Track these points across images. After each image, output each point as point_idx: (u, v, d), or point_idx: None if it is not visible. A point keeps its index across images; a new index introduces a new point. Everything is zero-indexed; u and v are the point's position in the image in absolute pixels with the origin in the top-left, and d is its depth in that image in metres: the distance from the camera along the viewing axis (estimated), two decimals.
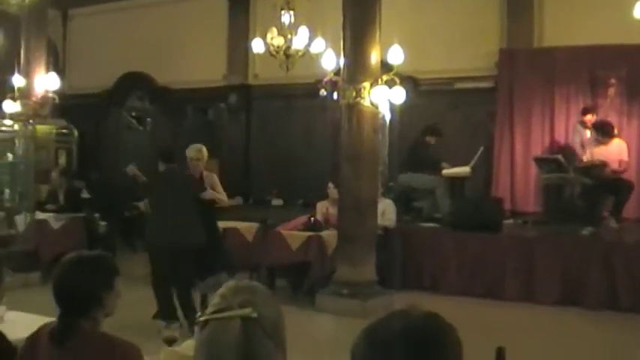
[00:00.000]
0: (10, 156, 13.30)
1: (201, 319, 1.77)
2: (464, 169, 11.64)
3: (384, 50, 9.28)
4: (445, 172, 11.67)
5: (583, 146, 11.45)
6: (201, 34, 15.44)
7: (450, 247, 10.73)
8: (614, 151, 10.88)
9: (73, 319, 2.84)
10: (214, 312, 1.75)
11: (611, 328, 8.65)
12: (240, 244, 10.68)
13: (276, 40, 11.09)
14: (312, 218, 10.21)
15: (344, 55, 9.41)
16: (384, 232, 10.37)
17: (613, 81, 11.43)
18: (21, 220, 11.43)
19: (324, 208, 10.61)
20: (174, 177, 8.44)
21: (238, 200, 14.75)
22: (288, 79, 12.09)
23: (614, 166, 10.80)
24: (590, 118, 11.42)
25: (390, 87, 9.14)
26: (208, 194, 9.02)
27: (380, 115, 10.45)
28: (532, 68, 12.37)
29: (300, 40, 11.06)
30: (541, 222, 11.11)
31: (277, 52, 11.16)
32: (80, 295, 2.87)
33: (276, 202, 14.39)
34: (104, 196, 13.44)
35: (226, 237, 10.64)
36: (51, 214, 11.37)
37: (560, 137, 12.21)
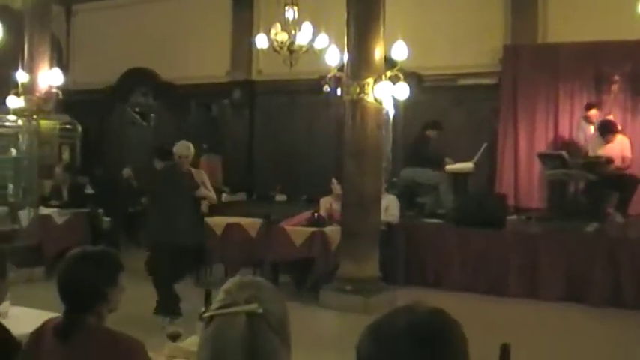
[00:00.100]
0: (13, 151, 13.30)
1: (207, 314, 1.77)
2: (467, 165, 11.64)
3: (387, 46, 9.27)
4: (449, 168, 11.67)
5: (586, 141, 11.45)
6: (204, 30, 15.43)
7: (453, 243, 10.73)
8: (617, 148, 10.87)
9: (77, 314, 2.85)
10: (220, 307, 1.75)
11: (615, 325, 8.64)
12: (243, 240, 10.69)
13: (279, 35, 11.07)
14: (316, 214, 10.21)
15: (348, 51, 9.40)
16: (388, 228, 10.37)
17: (616, 77, 11.41)
18: (25, 216, 11.44)
19: (327, 204, 10.62)
20: (174, 175, 8.50)
21: (242, 196, 14.76)
22: (291, 75, 12.08)
23: (618, 162, 10.79)
24: (594, 113, 11.42)
25: (394, 83, 9.13)
26: (202, 192, 9.11)
27: (384, 111, 10.44)
28: (536, 64, 12.35)
29: (303, 35, 11.04)
30: (545, 218, 11.11)
31: (281, 47, 11.13)
32: (85, 290, 2.87)
33: (280, 197, 14.38)
34: (108, 191, 13.44)
35: (230, 233, 10.66)
36: (55, 210, 11.38)
37: (564, 133, 12.20)
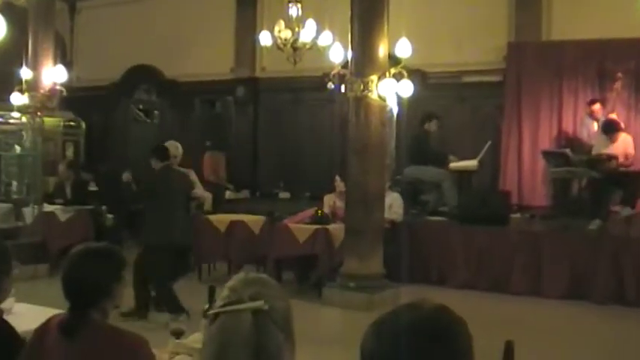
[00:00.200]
0: (17, 148, 13.32)
1: (212, 312, 1.77)
2: (471, 163, 11.63)
3: (391, 43, 9.26)
4: (452, 165, 11.66)
5: (589, 137, 11.45)
6: (208, 27, 15.42)
7: (457, 240, 10.73)
8: (621, 146, 10.86)
9: (82, 310, 2.85)
10: (225, 305, 1.74)
11: (618, 322, 8.65)
12: (247, 237, 10.70)
13: (283, 33, 11.06)
14: (320, 211, 10.20)
15: (352, 48, 9.40)
16: (391, 226, 10.36)
17: (620, 75, 11.38)
18: (29, 213, 11.44)
19: (331, 201, 10.61)
20: (173, 175, 8.54)
21: (245, 193, 14.78)
22: (295, 72, 12.07)
23: (621, 160, 10.78)
24: (597, 108, 11.42)
25: (398, 80, 9.14)
26: (197, 192, 9.19)
27: (387, 109, 10.44)
28: (540, 62, 12.33)
29: (307, 33, 11.04)
30: (548, 216, 11.10)
31: (285, 45, 11.13)
32: (89, 286, 2.88)
33: (284, 194, 14.38)
34: (111, 188, 13.44)
35: (233, 230, 10.67)
36: (58, 207, 11.39)
37: (568, 131, 12.18)
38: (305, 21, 11.14)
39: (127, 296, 3.10)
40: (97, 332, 2.83)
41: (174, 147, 9.14)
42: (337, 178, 10.58)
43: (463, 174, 11.76)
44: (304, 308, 8.31)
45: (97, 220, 11.66)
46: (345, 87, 9.39)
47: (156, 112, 16.97)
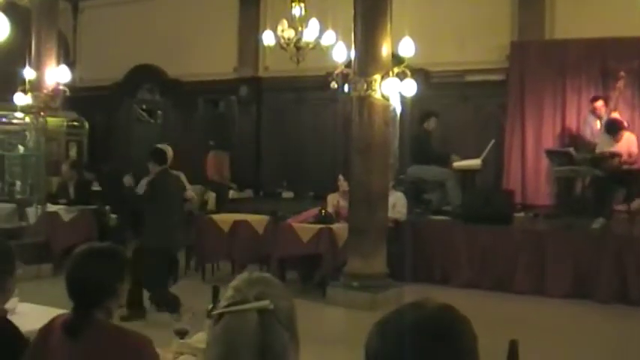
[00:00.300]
0: (21, 148, 13.34)
1: (217, 312, 1.76)
2: (475, 162, 11.62)
3: (395, 42, 9.26)
4: (456, 164, 11.65)
5: (593, 136, 11.44)
6: (211, 27, 15.42)
7: (460, 239, 10.73)
8: (624, 145, 10.84)
9: (87, 310, 2.85)
10: (230, 305, 1.74)
11: (621, 321, 8.64)
12: (250, 237, 10.69)
13: (286, 32, 11.06)
14: (323, 211, 10.20)
15: (355, 48, 9.39)
16: (395, 225, 10.35)
17: (622, 73, 11.37)
18: (32, 213, 11.46)
19: (334, 201, 10.61)
20: (171, 180, 8.65)
21: (249, 193, 14.78)
22: (298, 72, 12.05)
23: (625, 158, 10.76)
24: (600, 104, 11.42)
25: (401, 79, 9.13)
26: (188, 194, 9.31)
27: (391, 108, 10.44)
28: (543, 60, 12.32)
29: (310, 32, 11.03)
30: (552, 215, 11.09)
31: (288, 44, 11.13)
32: (93, 286, 2.88)
33: (287, 194, 14.39)
34: (115, 188, 13.44)
35: (237, 229, 10.67)
36: (62, 207, 11.39)
37: (572, 129, 12.18)
38: (308, 20, 11.13)
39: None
40: (101, 332, 2.83)
41: (168, 150, 9.20)
42: (340, 177, 10.58)
43: (467, 173, 11.75)
44: (308, 308, 8.30)
45: (100, 220, 11.66)
46: (349, 86, 9.40)
47: (159, 111, 16.98)
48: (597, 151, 11.03)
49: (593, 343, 7.70)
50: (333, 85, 9.53)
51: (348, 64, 9.58)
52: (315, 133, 14.47)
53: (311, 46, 11.09)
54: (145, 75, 16.41)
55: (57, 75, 11.30)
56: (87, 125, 16.20)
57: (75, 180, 11.85)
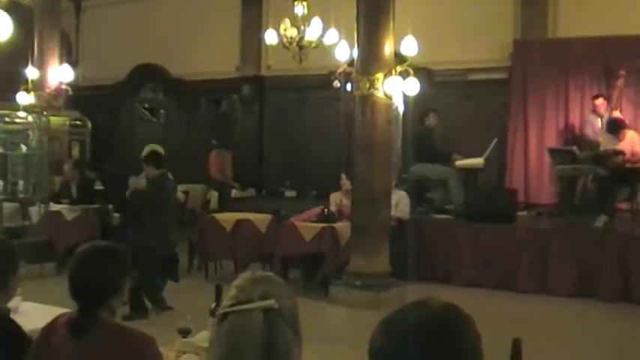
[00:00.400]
0: (23, 148, 13.30)
1: (222, 311, 1.76)
2: (477, 161, 11.60)
3: (397, 41, 9.24)
4: (458, 163, 11.64)
5: (594, 134, 11.43)
6: (214, 26, 15.44)
7: (463, 238, 10.71)
8: (628, 144, 10.82)
9: (90, 309, 2.85)
10: (234, 304, 1.74)
11: (625, 320, 8.63)
12: (253, 236, 10.68)
13: (289, 31, 11.05)
14: (326, 209, 10.19)
15: (357, 46, 9.38)
16: (398, 224, 10.33)
17: (622, 72, 11.35)
18: (35, 212, 11.45)
19: (337, 200, 10.60)
20: (169, 184, 8.78)
21: (251, 191, 14.78)
22: (301, 71, 12.06)
23: (628, 157, 10.75)
24: (600, 102, 11.42)
25: (404, 78, 9.12)
26: (179, 195, 9.52)
27: (393, 107, 10.42)
28: (546, 59, 12.32)
29: (313, 31, 11.03)
30: (555, 213, 11.09)
31: (290, 43, 11.12)
32: (97, 285, 2.88)
33: (289, 193, 14.40)
34: (117, 187, 13.44)
35: (239, 228, 10.67)
36: (65, 206, 11.39)
37: (574, 128, 12.17)
38: (311, 19, 11.13)
39: None
40: (104, 331, 2.83)
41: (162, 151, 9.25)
42: (343, 176, 10.56)
43: (469, 172, 11.74)
44: (311, 306, 8.30)
45: (103, 219, 11.66)
46: (351, 85, 9.39)
47: (162, 110, 16.99)
48: (601, 149, 11.03)
49: (597, 342, 7.69)
50: (336, 83, 9.54)
51: (350, 63, 9.58)
52: (318, 131, 14.47)
53: (313, 44, 11.08)
54: (147, 74, 16.42)
55: (59, 74, 11.32)
56: (89, 124, 16.18)
57: (77, 179, 11.85)
